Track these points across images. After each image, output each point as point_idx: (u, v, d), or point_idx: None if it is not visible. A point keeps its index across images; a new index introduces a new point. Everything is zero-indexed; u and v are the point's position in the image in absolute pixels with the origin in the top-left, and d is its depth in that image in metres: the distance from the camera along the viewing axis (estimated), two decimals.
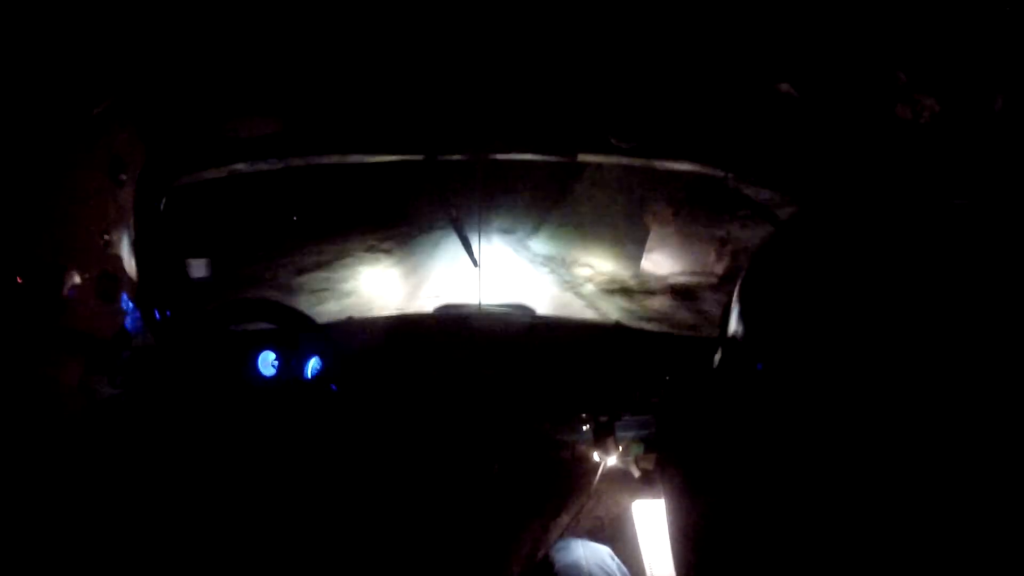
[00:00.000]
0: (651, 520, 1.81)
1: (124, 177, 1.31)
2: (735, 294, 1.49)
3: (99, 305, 1.22)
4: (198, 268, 2.38)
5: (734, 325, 1.58)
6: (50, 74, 1.12)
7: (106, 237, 1.25)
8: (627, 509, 1.99)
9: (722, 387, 1.72)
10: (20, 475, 1.05)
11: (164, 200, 1.58)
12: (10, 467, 1.04)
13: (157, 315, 1.56)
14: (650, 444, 1.91)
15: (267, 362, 1.74)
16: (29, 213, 1.08)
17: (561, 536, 1.93)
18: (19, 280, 1.03)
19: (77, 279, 1.14)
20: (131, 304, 1.34)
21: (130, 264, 1.34)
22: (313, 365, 1.74)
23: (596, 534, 1.94)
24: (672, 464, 1.95)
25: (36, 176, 1.10)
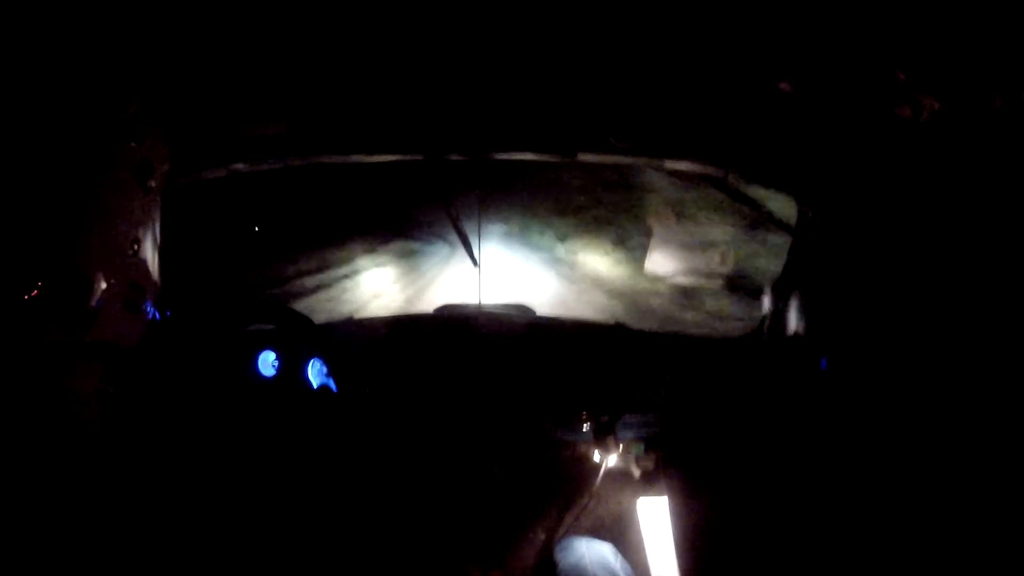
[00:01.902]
0: (655, 517, 1.82)
1: (152, 183, 1.29)
2: (794, 295, 1.49)
3: (124, 315, 1.20)
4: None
5: (794, 324, 1.60)
6: (80, 77, 1.10)
7: (135, 246, 1.24)
8: (628, 508, 1.99)
9: (743, 386, 1.71)
10: (31, 481, 1.05)
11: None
12: (23, 473, 1.04)
13: (158, 315, 1.57)
14: (651, 443, 1.91)
15: (267, 362, 1.74)
16: (61, 220, 1.07)
17: (563, 535, 1.93)
18: (45, 288, 1.01)
19: (106, 288, 1.12)
20: (154, 310, 1.33)
21: (155, 269, 1.33)
22: (313, 365, 1.74)
23: (597, 533, 1.94)
24: (674, 463, 1.96)
25: (68, 182, 1.08)
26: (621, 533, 1.95)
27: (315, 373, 1.75)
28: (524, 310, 2.02)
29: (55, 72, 1.06)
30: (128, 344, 1.24)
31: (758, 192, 1.84)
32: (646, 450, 1.91)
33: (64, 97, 1.08)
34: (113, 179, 1.18)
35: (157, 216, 1.35)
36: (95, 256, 1.12)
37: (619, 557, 1.49)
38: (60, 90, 1.07)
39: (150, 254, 1.31)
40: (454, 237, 1.96)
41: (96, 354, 1.15)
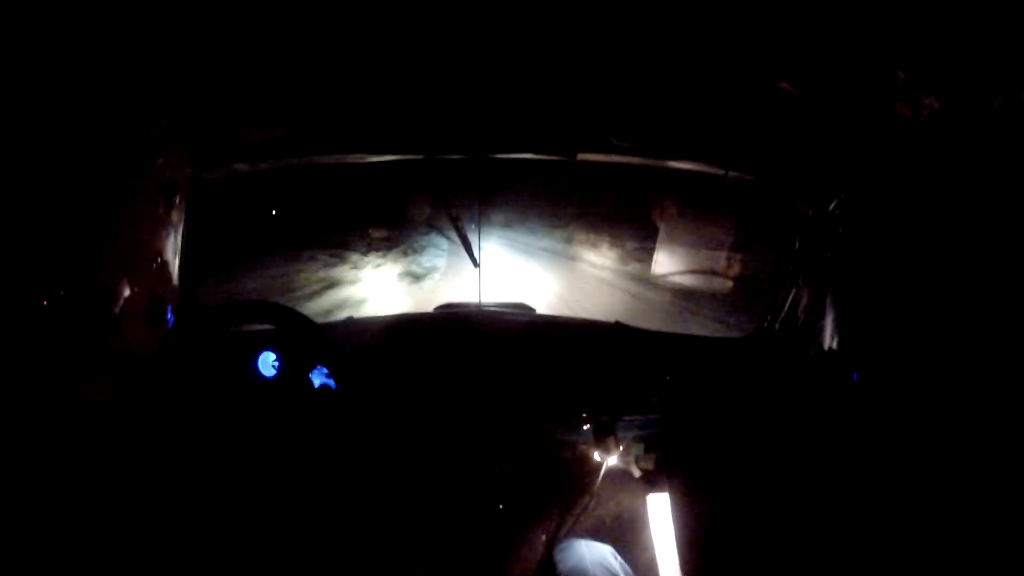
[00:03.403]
0: (660, 516, 1.82)
1: (176, 199, 1.32)
2: (828, 306, 1.51)
3: (144, 327, 1.22)
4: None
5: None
6: (111, 98, 1.12)
7: (158, 258, 1.26)
8: (628, 508, 1.99)
9: (743, 386, 1.71)
10: (38, 486, 1.05)
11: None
12: (31, 478, 1.04)
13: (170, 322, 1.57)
14: (651, 443, 1.91)
15: (267, 363, 1.74)
16: (88, 232, 1.08)
17: (563, 536, 1.93)
18: (68, 296, 1.03)
19: (128, 299, 1.14)
20: (172, 318, 1.34)
21: (175, 278, 1.34)
22: (317, 369, 1.74)
23: (597, 533, 1.94)
24: (675, 463, 1.96)
25: (96, 196, 1.10)
26: (621, 533, 1.95)
27: (316, 374, 1.75)
28: (524, 310, 2.02)
29: (87, 92, 1.08)
30: (145, 355, 1.25)
31: (758, 191, 1.84)
32: (646, 450, 1.91)
33: (95, 116, 1.09)
34: (140, 194, 1.21)
35: (180, 227, 1.37)
36: (119, 266, 1.14)
37: (619, 559, 1.49)
38: (91, 109, 1.09)
39: (171, 264, 1.33)
40: (454, 237, 1.95)
41: (114, 364, 1.17)
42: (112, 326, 1.12)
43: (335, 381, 1.73)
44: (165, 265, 1.30)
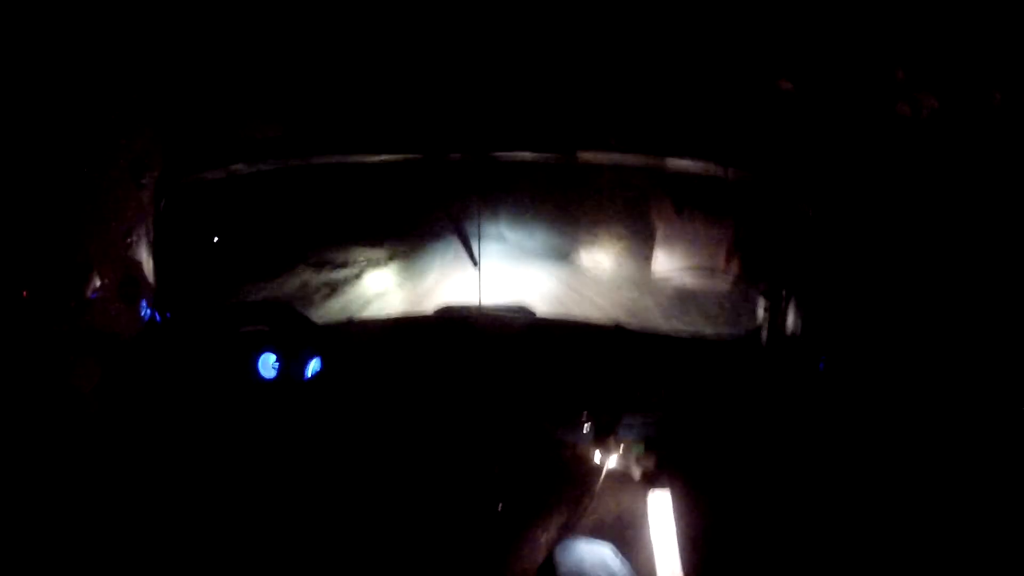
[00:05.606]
0: (660, 514, 1.82)
1: (145, 180, 1.32)
2: (794, 294, 1.52)
3: (121, 309, 1.23)
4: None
5: (794, 323, 1.62)
6: (79, 77, 1.12)
7: (129, 240, 1.27)
8: (628, 508, 1.99)
9: (743, 385, 1.72)
10: (32, 477, 1.05)
11: (164, 200, 1.58)
12: (24, 470, 1.04)
13: (158, 317, 1.56)
14: (651, 444, 1.91)
15: (267, 364, 1.74)
16: (57, 213, 1.09)
17: (564, 536, 1.93)
18: (42, 277, 1.03)
19: (101, 278, 1.15)
20: (149, 310, 1.35)
21: (148, 266, 1.35)
22: (314, 367, 1.74)
23: (598, 533, 1.94)
24: (675, 463, 1.96)
25: (63, 176, 1.10)
26: (622, 534, 1.95)
27: (315, 374, 1.75)
28: (524, 311, 2.01)
29: (52, 72, 1.08)
30: (126, 336, 1.25)
31: (758, 191, 1.84)
32: (646, 450, 1.91)
33: (60, 96, 1.09)
34: (107, 174, 1.21)
35: (150, 214, 1.37)
36: (90, 247, 1.14)
37: (620, 558, 1.49)
38: (57, 89, 1.09)
39: (144, 250, 1.33)
40: (454, 237, 1.95)
41: (94, 345, 1.17)
42: (86, 305, 1.13)
43: (336, 381, 1.73)
44: (136, 247, 1.31)
